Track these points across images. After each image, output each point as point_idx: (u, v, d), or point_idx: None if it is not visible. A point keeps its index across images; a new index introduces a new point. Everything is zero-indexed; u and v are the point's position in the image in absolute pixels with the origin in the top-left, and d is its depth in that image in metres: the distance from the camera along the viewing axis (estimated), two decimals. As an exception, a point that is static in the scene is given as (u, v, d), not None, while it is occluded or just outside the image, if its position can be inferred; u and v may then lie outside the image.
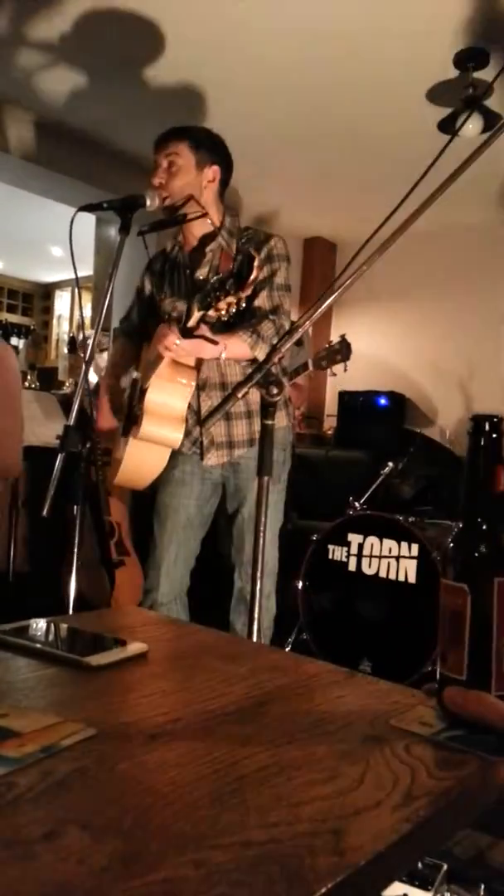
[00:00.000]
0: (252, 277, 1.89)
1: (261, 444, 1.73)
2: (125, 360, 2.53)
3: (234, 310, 1.92)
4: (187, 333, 1.99)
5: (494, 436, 0.77)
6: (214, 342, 2.00)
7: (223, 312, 1.92)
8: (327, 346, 2.93)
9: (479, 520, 0.76)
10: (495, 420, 0.77)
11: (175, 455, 2.27)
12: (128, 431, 2.27)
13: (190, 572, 2.39)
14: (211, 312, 1.93)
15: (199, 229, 2.29)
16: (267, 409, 1.78)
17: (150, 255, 2.43)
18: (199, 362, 2.20)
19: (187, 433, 2.26)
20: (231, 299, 1.89)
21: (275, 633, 2.49)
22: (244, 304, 1.94)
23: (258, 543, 1.63)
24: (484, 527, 0.75)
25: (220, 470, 2.34)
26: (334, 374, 2.89)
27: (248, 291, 1.91)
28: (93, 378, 2.78)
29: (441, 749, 0.69)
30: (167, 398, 2.17)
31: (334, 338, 2.91)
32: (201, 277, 2.26)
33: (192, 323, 1.96)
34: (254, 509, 2.23)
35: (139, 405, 2.22)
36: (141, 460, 2.23)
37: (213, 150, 2.28)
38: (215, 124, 3.03)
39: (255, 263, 1.89)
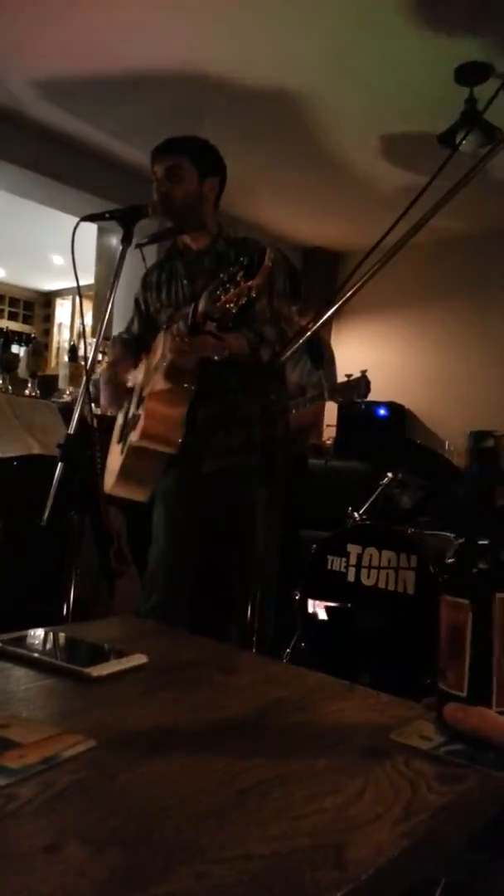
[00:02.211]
0: (264, 266, 1.86)
1: (258, 452, 1.73)
2: (125, 361, 2.49)
3: (244, 300, 1.87)
4: (195, 329, 1.97)
5: (493, 452, 0.77)
6: (220, 338, 1.97)
7: (232, 305, 1.89)
8: (347, 379, 2.91)
9: (479, 535, 0.76)
10: (494, 436, 0.77)
11: (172, 462, 2.25)
12: (124, 438, 2.26)
13: (190, 579, 2.37)
14: (219, 305, 1.90)
15: (195, 240, 2.30)
16: (266, 417, 1.78)
17: (146, 267, 2.43)
18: (199, 369, 2.18)
19: (191, 438, 2.24)
20: (242, 289, 1.86)
21: (273, 643, 2.48)
22: (254, 295, 1.89)
23: (252, 552, 1.62)
24: (484, 542, 0.75)
25: (217, 477, 2.33)
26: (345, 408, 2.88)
27: (260, 280, 1.86)
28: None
29: (441, 763, 0.69)
30: (168, 403, 2.15)
31: (340, 365, 2.88)
32: (199, 287, 2.26)
33: (200, 314, 1.94)
34: (249, 517, 2.24)
35: (137, 411, 2.21)
36: (138, 467, 2.20)
37: (212, 161, 2.28)
38: (217, 135, 3.04)
39: (267, 254, 1.88)
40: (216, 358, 2.09)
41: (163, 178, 2.23)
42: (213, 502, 2.37)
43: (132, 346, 2.50)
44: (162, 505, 2.34)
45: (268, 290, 2.18)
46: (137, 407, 2.25)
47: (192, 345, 2.03)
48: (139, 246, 2.13)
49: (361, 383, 2.85)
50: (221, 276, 1.88)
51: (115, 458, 2.32)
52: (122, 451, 2.26)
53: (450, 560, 0.77)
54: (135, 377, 2.42)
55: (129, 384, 2.42)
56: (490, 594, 0.72)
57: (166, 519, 2.33)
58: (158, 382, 2.15)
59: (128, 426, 2.29)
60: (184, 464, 2.28)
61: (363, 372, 2.87)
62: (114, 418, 2.59)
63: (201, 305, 1.93)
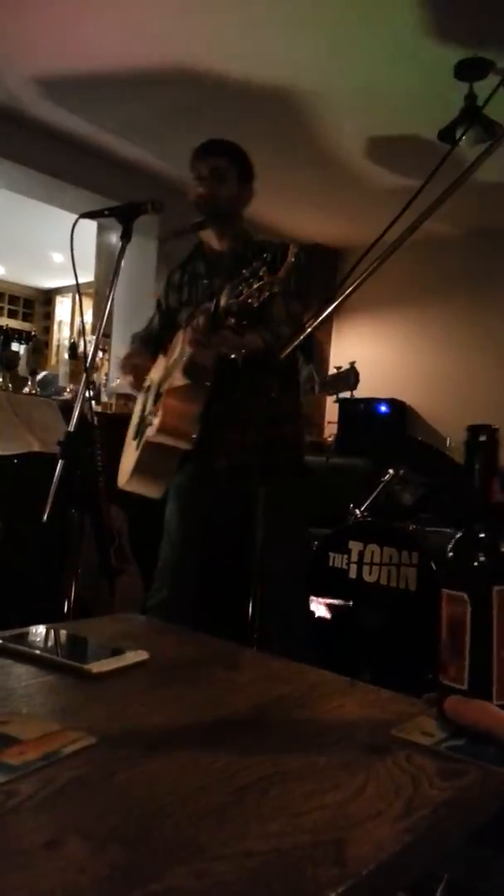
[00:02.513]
0: (287, 261, 1.87)
1: (269, 450, 1.73)
2: (144, 355, 2.51)
3: (266, 294, 1.87)
4: (214, 324, 1.98)
5: (490, 446, 0.77)
6: (240, 334, 1.98)
7: (254, 300, 1.89)
8: (336, 370, 2.91)
9: (477, 528, 0.76)
10: (491, 429, 0.77)
11: (186, 458, 2.25)
12: (140, 435, 2.26)
13: (198, 575, 2.38)
14: (240, 300, 1.90)
15: (220, 241, 2.35)
16: (277, 415, 1.77)
17: (165, 264, 2.47)
18: (216, 366, 2.18)
19: (204, 435, 2.25)
20: (264, 283, 1.87)
21: (267, 639, 2.47)
22: (276, 290, 1.89)
23: (263, 552, 1.63)
24: (482, 535, 0.75)
25: (230, 474, 2.34)
26: (338, 400, 2.89)
27: (282, 275, 1.86)
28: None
29: (442, 759, 0.69)
30: (185, 399, 2.15)
31: (342, 362, 2.88)
32: (217, 287, 2.27)
33: (221, 309, 1.94)
34: (279, 513, 2.27)
35: (154, 407, 2.21)
36: (153, 463, 2.21)
37: (249, 168, 2.37)
38: (216, 133, 3.03)
39: (290, 249, 1.89)
40: (233, 356, 2.11)
41: (208, 177, 2.29)
42: (225, 500, 2.38)
43: (150, 345, 2.52)
44: (174, 500, 2.37)
45: (282, 292, 2.19)
46: (154, 403, 2.26)
47: (211, 339, 2.04)
48: (162, 241, 2.18)
49: (351, 374, 2.85)
50: (244, 271, 1.90)
51: (130, 454, 2.34)
52: (137, 447, 2.27)
53: (449, 553, 0.77)
54: (151, 374, 2.44)
55: (152, 377, 2.43)
56: (488, 587, 0.72)
57: (178, 514, 2.36)
58: (177, 379, 2.16)
59: (144, 422, 2.30)
60: (197, 460, 2.29)
61: (352, 363, 2.87)
62: (117, 416, 2.59)
63: (222, 300, 1.95)
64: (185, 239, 2.48)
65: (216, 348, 2.10)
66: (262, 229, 5.10)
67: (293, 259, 1.86)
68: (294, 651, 2.23)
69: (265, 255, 1.83)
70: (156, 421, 2.15)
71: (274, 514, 2.33)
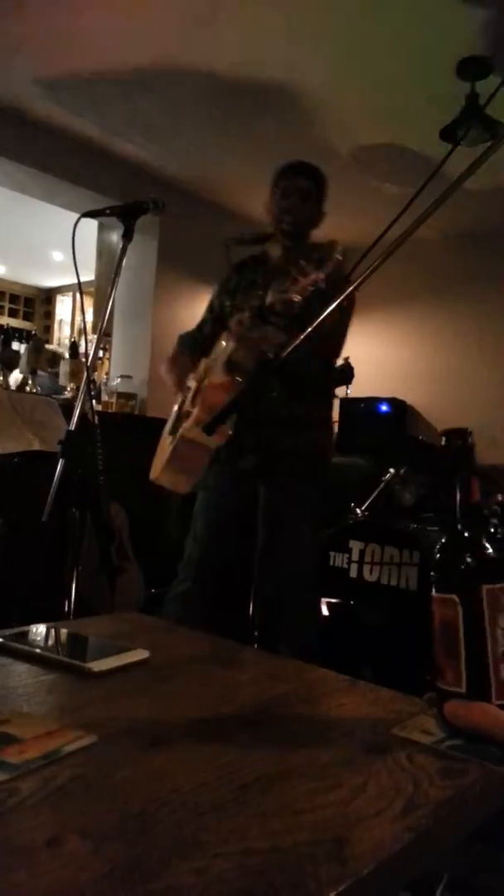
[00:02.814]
0: (333, 258, 1.91)
1: (295, 454, 1.72)
2: (187, 357, 2.53)
3: (311, 289, 1.92)
4: (259, 319, 2.01)
5: (465, 448, 0.77)
6: (282, 331, 2.01)
7: (298, 296, 1.92)
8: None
9: (460, 530, 0.76)
10: (464, 432, 0.78)
11: (217, 456, 2.28)
12: (175, 430, 2.29)
13: (225, 574, 2.43)
14: (285, 297, 1.93)
15: (285, 256, 2.41)
16: (302, 420, 1.77)
17: (229, 264, 2.56)
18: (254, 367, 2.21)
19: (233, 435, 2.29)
20: (310, 279, 1.90)
21: (272, 638, 2.49)
22: (323, 286, 1.93)
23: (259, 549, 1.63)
24: (466, 536, 0.75)
25: (257, 474, 2.37)
26: (335, 396, 2.89)
27: (329, 270, 1.92)
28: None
29: (443, 758, 0.69)
30: (223, 396, 2.17)
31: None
32: (273, 297, 2.33)
33: (267, 305, 1.98)
34: (284, 516, 2.34)
35: (191, 403, 2.25)
36: (186, 458, 2.24)
37: (325, 192, 2.47)
38: (216, 132, 3.04)
39: (337, 247, 1.92)
40: (270, 355, 2.13)
41: (295, 196, 2.38)
42: (251, 497, 2.42)
43: (197, 347, 2.54)
44: (201, 496, 2.44)
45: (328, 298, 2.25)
46: (192, 400, 2.29)
47: (255, 335, 2.07)
48: (227, 244, 2.27)
49: (346, 369, 2.86)
50: (292, 270, 1.94)
51: (164, 447, 2.37)
52: (171, 442, 2.29)
53: (436, 557, 0.77)
54: (189, 381, 2.48)
55: (193, 374, 2.46)
56: (477, 587, 0.72)
57: (204, 510, 2.42)
58: (217, 375, 2.18)
59: (181, 418, 2.33)
60: (226, 458, 2.34)
61: (346, 359, 2.87)
62: (118, 415, 2.61)
63: (268, 297, 2.00)
64: (246, 248, 2.56)
65: (258, 344, 2.11)
66: (262, 229, 5.10)
67: (339, 257, 1.91)
68: (303, 654, 2.26)
69: (314, 255, 1.87)
70: (192, 416, 2.17)
71: (293, 516, 2.38)
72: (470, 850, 0.79)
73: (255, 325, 2.04)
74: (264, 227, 2.50)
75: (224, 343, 2.22)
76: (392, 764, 0.67)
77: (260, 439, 2.34)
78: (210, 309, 2.57)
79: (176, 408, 2.47)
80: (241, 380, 2.17)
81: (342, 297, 1.62)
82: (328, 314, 1.83)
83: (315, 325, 1.60)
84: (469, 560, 0.74)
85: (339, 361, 2.90)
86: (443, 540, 0.77)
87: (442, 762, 0.68)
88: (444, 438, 0.78)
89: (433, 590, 0.75)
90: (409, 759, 0.68)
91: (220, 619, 2.42)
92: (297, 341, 1.80)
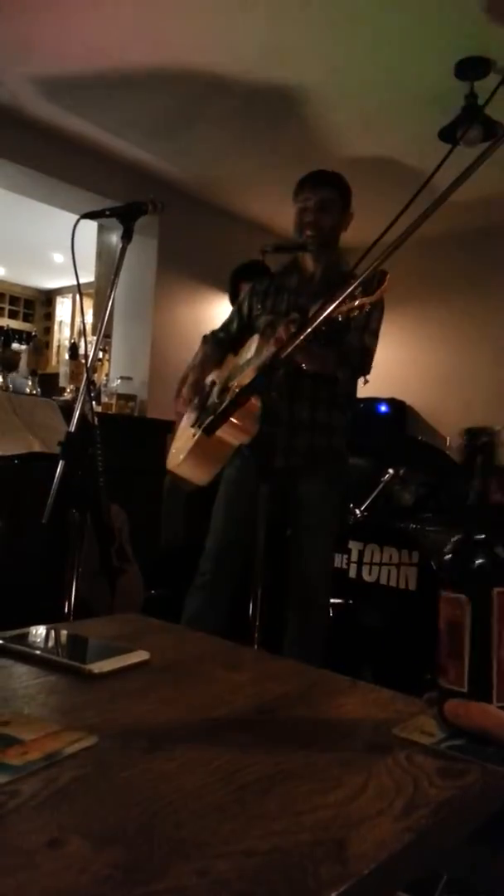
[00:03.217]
0: (384, 286, 1.95)
1: (318, 458, 1.71)
2: (213, 361, 2.62)
3: (355, 313, 1.95)
4: (301, 329, 2.03)
5: (489, 447, 0.77)
6: (319, 344, 2.13)
7: (342, 316, 1.96)
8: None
9: (476, 531, 0.75)
10: (490, 431, 0.77)
11: (236, 452, 2.33)
12: (200, 423, 2.31)
13: (239, 565, 2.44)
14: (328, 314, 1.96)
15: (315, 263, 2.48)
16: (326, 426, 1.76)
17: (271, 272, 2.64)
18: (285, 374, 2.26)
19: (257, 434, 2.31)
20: (356, 304, 1.93)
21: (272, 640, 2.49)
22: (367, 310, 2.01)
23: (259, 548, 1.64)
24: (481, 537, 0.75)
25: (280, 474, 2.39)
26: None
27: (375, 299, 1.94)
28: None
29: (443, 759, 0.69)
30: (255, 398, 2.21)
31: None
32: (303, 304, 2.37)
33: (310, 317, 1.99)
34: (307, 517, 2.40)
35: (218, 400, 2.31)
36: (208, 452, 2.27)
37: (350, 197, 2.52)
38: (215, 131, 3.04)
39: (386, 277, 1.95)
40: (304, 366, 2.23)
41: (315, 208, 2.44)
42: (271, 497, 2.43)
43: (223, 347, 2.62)
44: (222, 492, 2.49)
45: (363, 324, 2.39)
46: (219, 396, 2.33)
47: (293, 344, 2.09)
48: (263, 253, 2.42)
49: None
50: (338, 291, 1.95)
51: (184, 440, 2.40)
52: (194, 435, 2.31)
53: (447, 556, 0.77)
54: (217, 374, 2.54)
55: (222, 374, 2.52)
56: (488, 589, 0.72)
57: (225, 505, 2.48)
58: (248, 377, 2.21)
59: (207, 412, 2.37)
60: (249, 456, 2.40)
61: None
62: (118, 417, 2.62)
63: (312, 310, 2.04)
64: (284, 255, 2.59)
65: (294, 354, 2.14)
66: (261, 228, 5.11)
67: (387, 285, 1.95)
68: (311, 658, 2.28)
69: (362, 276, 1.89)
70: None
71: (312, 519, 2.41)
72: (470, 850, 0.79)
73: (297, 333, 2.07)
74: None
75: (255, 347, 2.29)
76: (392, 764, 0.67)
77: (285, 440, 2.39)
78: (239, 310, 2.64)
79: (198, 400, 2.50)
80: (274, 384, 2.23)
81: (335, 304, 1.65)
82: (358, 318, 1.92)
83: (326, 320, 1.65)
84: (482, 561, 0.74)
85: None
86: (456, 538, 0.77)
87: (442, 762, 0.68)
88: (465, 436, 0.77)
89: (442, 588, 0.75)
90: (409, 759, 0.68)
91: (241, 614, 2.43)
92: (296, 343, 1.80)
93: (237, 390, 2.22)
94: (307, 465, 2.41)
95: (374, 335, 2.49)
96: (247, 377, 2.21)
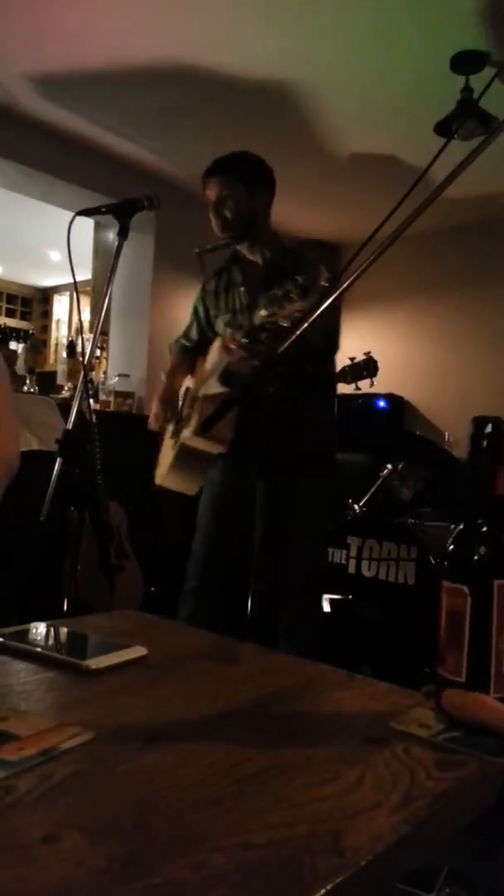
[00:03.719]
0: (318, 287, 1.95)
1: (299, 453, 1.75)
2: (182, 368, 2.59)
3: (297, 316, 1.96)
4: (250, 338, 2.04)
5: (495, 438, 0.77)
6: (273, 349, 2.05)
7: (285, 321, 1.98)
8: (351, 362, 2.93)
9: (479, 521, 0.75)
10: (496, 422, 0.77)
11: (220, 455, 2.32)
12: (177, 434, 2.31)
13: (226, 568, 2.44)
14: (272, 320, 1.98)
15: (252, 251, 2.41)
16: (305, 420, 1.79)
17: (203, 272, 2.55)
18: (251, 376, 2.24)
19: (239, 436, 2.31)
20: (295, 307, 1.94)
21: (269, 635, 2.50)
22: (300, 316, 1.97)
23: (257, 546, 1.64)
24: (484, 529, 0.75)
25: (262, 473, 2.39)
26: (359, 389, 2.92)
27: (312, 302, 1.94)
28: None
29: (440, 750, 0.69)
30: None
31: (356, 354, 2.92)
32: (255, 296, 2.32)
33: (256, 325, 2.01)
34: (289, 515, 2.37)
35: (191, 410, 2.29)
36: (188, 463, 2.28)
37: (257, 173, 2.38)
38: (212, 128, 3.03)
39: (321, 274, 1.94)
40: (270, 389, 2.17)
41: (216, 202, 2.34)
42: (256, 498, 2.43)
43: (189, 353, 2.59)
44: (206, 495, 2.46)
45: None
46: (191, 406, 2.30)
47: (246, 352, 2.11)
48: (199, 253, 2.26)
49: (369, 363, 2.88)
50: (278, 291, 1.98)
51: (167, 452, 2.41)
52: (173, 447, 2.31)
53: (449, 546, 0.77)
54: (190, 380, 2.52)
55: (182, 390, 2.51)
56: (489, 580, 0.72)
57: (209, 509, 2.45)
58: (212, 386, 2.24)
59: (181, 422, 2.37)
60: (230, 458, 2.37)
61: (367, 353, 2.90)
62: (115, 414, 2.63)
63: (257, 318, 2.03)
64: (220, 252, 2.53)
65: (249, 361, 2.16)
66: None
67: (325, 283, 1.91)
68: (305, 652, 2.27)
69: (298, 278, 1.88)
70: (191, 424, 2.20)
71: (298, 515, 2.39)
72: (468, 841, 0.80)
73: (247, 343, 2.08)
74: None
75: (217, 353, 2.26)
76: (389, 756, 0.67)
77: (264, 438, 2.35)
78: (195, 313, 2.60)
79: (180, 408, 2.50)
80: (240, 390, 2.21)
81: (331, 299, 1.64)
82: (318, 317, 1.87)
83: (304, 327, 1.63)
84: (484, 552, 0.74)
85: (360, 356, 2.93)
86: (459, 528, 0.77)
87: (439, 754, 0.68)
88: (472, 425, 0.77)
89: (444, 578, 0.75)
90: (407, 751, 0.68)
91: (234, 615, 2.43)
92: (293, 338, 1.81)
93: (203, 399, 2.23)
94: (289, 462, 2.38)
95: (332, 312, 2.35)
96: (211, 387, 2.21)
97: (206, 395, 2.23)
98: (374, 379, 2.87)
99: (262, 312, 2.01)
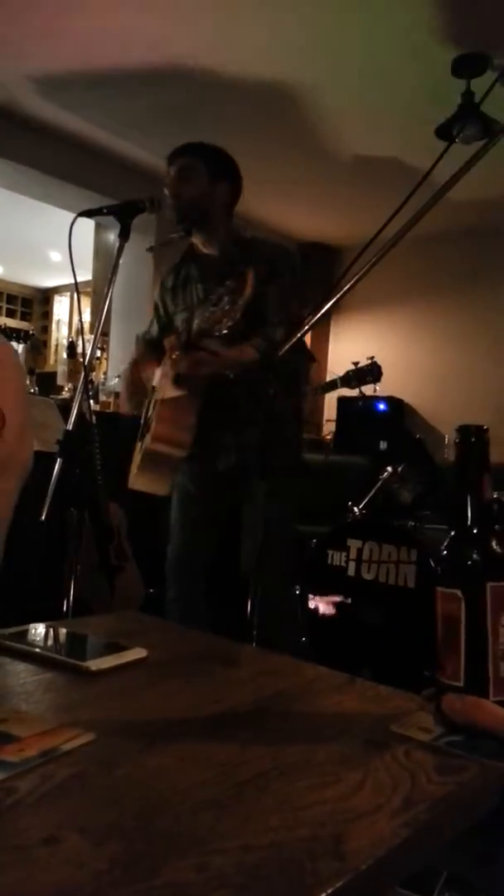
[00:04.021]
0: (245, 295, 1.95)
1: (263, 448, 1.77)
2: (145, 361, 2.54)
3: (229, 324, 1.99)
4: (188, 346, 2.04)
5: (480, 446, 0.78)
6: (215, 353, 2.05)
7: (222, 326, 2.01)
8: (355, 366, 2.95)
9: (469, 526, 0.76)
10: (480, 430, 0.78)
11: (189, 458, 2.29)
12: (143, 438, 2.30)
13: (204, 573, 2.42)
14: (206, 327, 2.00)
15: (206, 244, 2.35)
16: (276, 415, 1.82)
17: (159, 271, 2.49)
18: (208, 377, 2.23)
19: (203, 438, 2.29)
20: (225, 313, 1.97)
21: (273, 637, 2.49)
22: (239, 317, 2.00)
23: (257, 545, 1.64)
24: (474, 533, 0.76)
25: (230, 474, 2.37)
26: (361, 392, 2.93)
27: (239, 312, 1.97)
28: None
29: (441, 754, 0.69)
30: (176, 409, 2.20)
31: (339, 360, 2.93)
32: (211, 291, 2.30)
33: (194, 332, 2.02)
34: (259, 511, 2.29)
35: (153, 413, 2.25)
36: (154, 467, 2.25)
37: (224, 167, 2.34)
38: (215, 130, 3.03)
39: (248, 280, 1.93)
40: (230, 374, 2.17)
41: (174, 178, 2.28)
42: (228, 497, 2.41)
43: (153, 346, 2.55)
44: (176, 502, 2.42)
45: (274, 292, 2.22)
46: (153, 409, 2.31)
47: (186, 359, 2.12)
48: (151, 250, 2.21)
49: (373, 368, 2.89)
50: (211, 297, 2.02)
51: (136, 455, 2.39)
52: (139, 450, 2.31)
53: (442, 552, 0.77)
54: (155, 377, 2.48)
55: (153, 383, 2.47)
56: (481, 584, 0.72)
57: (179, 516, 2.40)
58: (167, 390, 2.21)
59: (147, 424, 2.35)
60: (197, 462, 2.34)
61: (371, 358, 2.92)
62: (115, 415, 2.63)
63: (195, 324, 2.05)
64: (175, 246, 2.48)
65: (193, 367, 2.16)
66: (260, 227, 5.10)
67: (250, 290, 1.97)
68: (281, 644, 2.26)
69: (228, 283, 1.89)
70: (151, 429, 2.20)
71: (268, 510, 2.36)
72: (468, 845, 0.80)
73: (185, 350, 2.11)
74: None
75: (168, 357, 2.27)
76: (390, 760, 0.67)
77: (232, 438, 2.33)
78: (156, 310, 2.57)
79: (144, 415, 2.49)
80: (196, 393, 2.19)
81: (332, 302, 1.63)
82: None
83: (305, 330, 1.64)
84: (475, 557, 0.74)
85: (365, 361, 2.93)
86: (451, 534, 0.78)
87: (440, 758, 0.68)
88: (457, 434, 0.78)
89: (437, 584, 0.75)
90: (407, 755, 0.68)
91: (218, 618, 2.42)
92: (293, 341, 1.81)
93: (160, 403, 2.23)
94: (257, 460, 2.30)
95: (289, 296, 2.27)
96: (167, 391, 2.20)
97: (164, 399, 2.22)
98: (377, 386, 2.89)
99: (200, 319, 2.04)
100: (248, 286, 1.95)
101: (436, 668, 0.75)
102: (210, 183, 2.28)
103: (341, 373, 3.05)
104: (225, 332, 2.02)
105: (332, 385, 3.09)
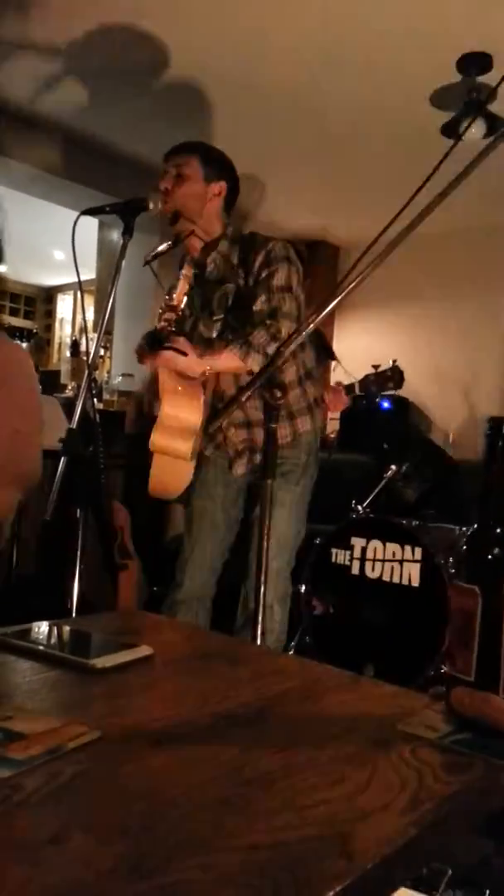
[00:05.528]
0: (177, 297, 2.12)
1: (265, 447, 1.76)
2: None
3: (172, 327, 2.09)
4: (152, 345, 2.07)
5: None
6: (182, 353, 2.05)
7: (166, 324, 2.11)
8: (376, 370, 2.86)
9: (492, 522, 0.76)
10: None
11: (204, 460, 2.30)
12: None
13: (217, 578, 2.42)
14: (160, 327, 2.13)
15: (199, 250, 2.34)
16: (271, 413, 1.81)
17: (160, 283, 2.48)
18: (212, 374, 2.23)
19: (213, 440, 2.32)
20: (167, 315, 2.11)
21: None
22: (171, 326, 2.11)
23: (262, 546, 1.64)
24: (497, 530, 0.75)
25: (246, 476, 2.37)
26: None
27: (175, 313, 2.14)
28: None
29: (447, 753, 0.69)
30: (177, 410, 2.19)
31: (343, 359, 2.88)
32: (209, 292, 2.32)
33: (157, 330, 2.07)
34: (270, 511, 2.30)
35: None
36: (163, 470, 2.25)
37: (221, 167, 2.32)
38: (218, 129, 3.04)
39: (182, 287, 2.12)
40: (207, 370, 2.16)
41: (170, 174, 2.27)
42: (241, 499, 2.42)
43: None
44: (192, 500, 2.42)
45: (265, 287, 2.21)
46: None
47: (153, 358, 2.14)
48: (147, 263, 2.23)
49: (395, 373, 2.83)
50: (166, 296, 2.12)
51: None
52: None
53: (462, 547, 0.77)
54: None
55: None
56: (500, 581, 0.72)
57: (195, 514, 2.42)
58: (165, 390, 2.22)
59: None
60: (213, 462, 2.38)
61: (394, 362, 2.87)
62: (119, 413, 2.63)
63: (158, 324, 2.10)
64: (171, 253, 2.47)
65: (161, 367, 2.18)
66: (265, 225, 5.10)
67: (184, 298, 2.13)
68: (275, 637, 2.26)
69: (172, 287, 1.94)
70: (155, 427, 2.22)
71: (278, 510, 2.36)
72: (475, 844, 0.79)
73: (150, 349, 2.15)
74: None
75: None
76: (396, 759, 0.67)
77: (247, 439, 2.35)
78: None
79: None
80: (191, 393, 2.19)
81: (336, 301, 1.63)
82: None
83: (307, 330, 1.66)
84: (497, 553, 0.74)
85: (388, 364, 2.88)
86: (472, 530, 0.78)
87: (446, 757, 0.68)
88: (488, 425, 0.78)
89: (455, 578, 0.76)
90: (414, 754, 0.68)
91: (223, 619, 2.43)
92: (299, 341, 1.80)
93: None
94: (258, 463, 2.31)
95: (282, 290, 2.23)
96: (168, 389, 2.21)
97: (163, 401, 2.25)
98: (398, 390, 2.83)
99: (158, 321, 2.16)
100: (182, 295, 2.05)
101: (446, 659, 0.76)
102: (204, 182, 2.27)
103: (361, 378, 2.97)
104: (172, 330, 2.09)
105: (350, 390, 3.02)
